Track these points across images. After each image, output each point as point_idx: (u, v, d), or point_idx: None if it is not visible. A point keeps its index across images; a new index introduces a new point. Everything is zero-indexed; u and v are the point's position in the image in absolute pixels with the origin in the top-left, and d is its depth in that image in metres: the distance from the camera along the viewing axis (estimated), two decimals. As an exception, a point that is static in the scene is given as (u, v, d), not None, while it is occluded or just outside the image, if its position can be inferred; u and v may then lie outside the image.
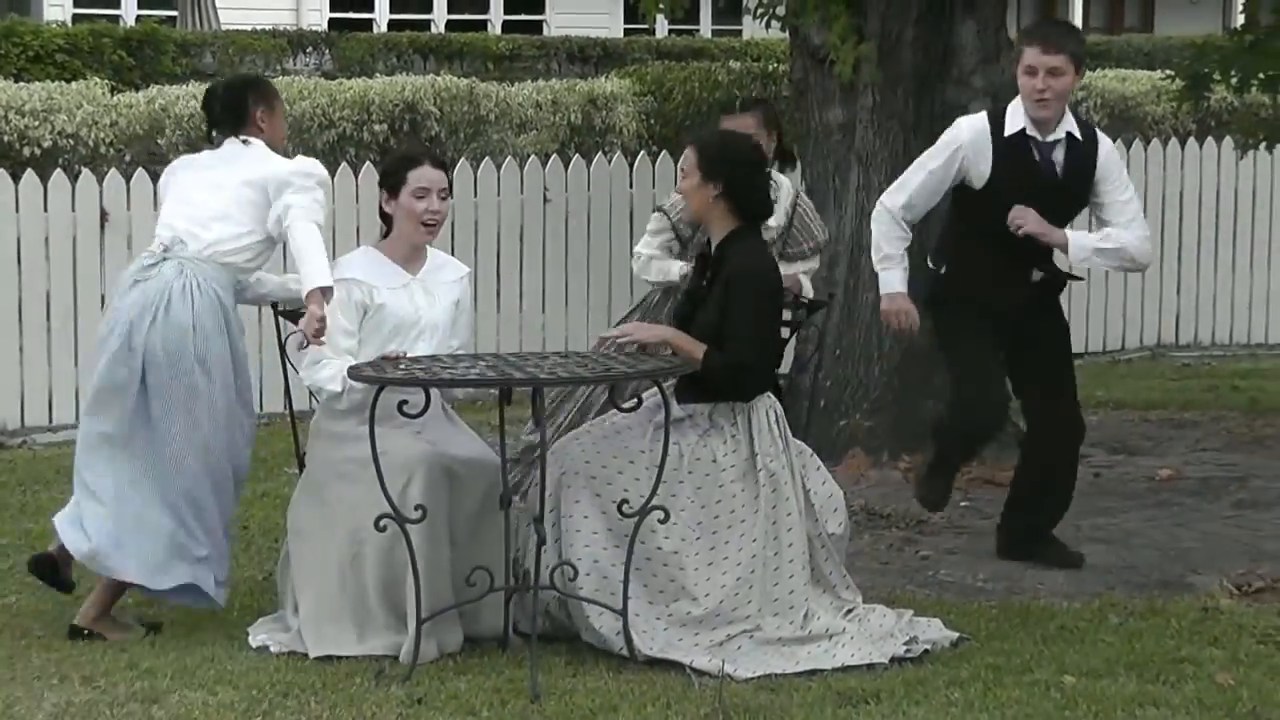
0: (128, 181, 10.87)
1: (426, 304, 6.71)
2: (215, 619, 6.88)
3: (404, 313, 6.64)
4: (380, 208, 6.78)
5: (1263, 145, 11.24)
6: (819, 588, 6.58)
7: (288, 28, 21.29)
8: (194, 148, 14.53)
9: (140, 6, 22.29)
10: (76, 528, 6.64)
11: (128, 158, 13.69)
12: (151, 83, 16.27)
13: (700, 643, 6.33)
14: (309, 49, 20.08)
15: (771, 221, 7.55)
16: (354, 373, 6.36)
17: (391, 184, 6.71)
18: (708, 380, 6.50)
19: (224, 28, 20.62)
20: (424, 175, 6.70)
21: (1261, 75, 10.18)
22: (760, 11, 9.85)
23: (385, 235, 6.82)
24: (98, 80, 15.29)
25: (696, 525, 6.44)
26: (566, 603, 6.44)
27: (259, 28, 20.23)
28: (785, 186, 8.12)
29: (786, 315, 7.01)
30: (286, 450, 8.48)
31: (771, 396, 6.62)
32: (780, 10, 9.80)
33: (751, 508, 6.47)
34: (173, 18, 21.45)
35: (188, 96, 14.43)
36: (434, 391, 6.37)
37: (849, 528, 6.89)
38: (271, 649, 6.55)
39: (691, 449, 6.49)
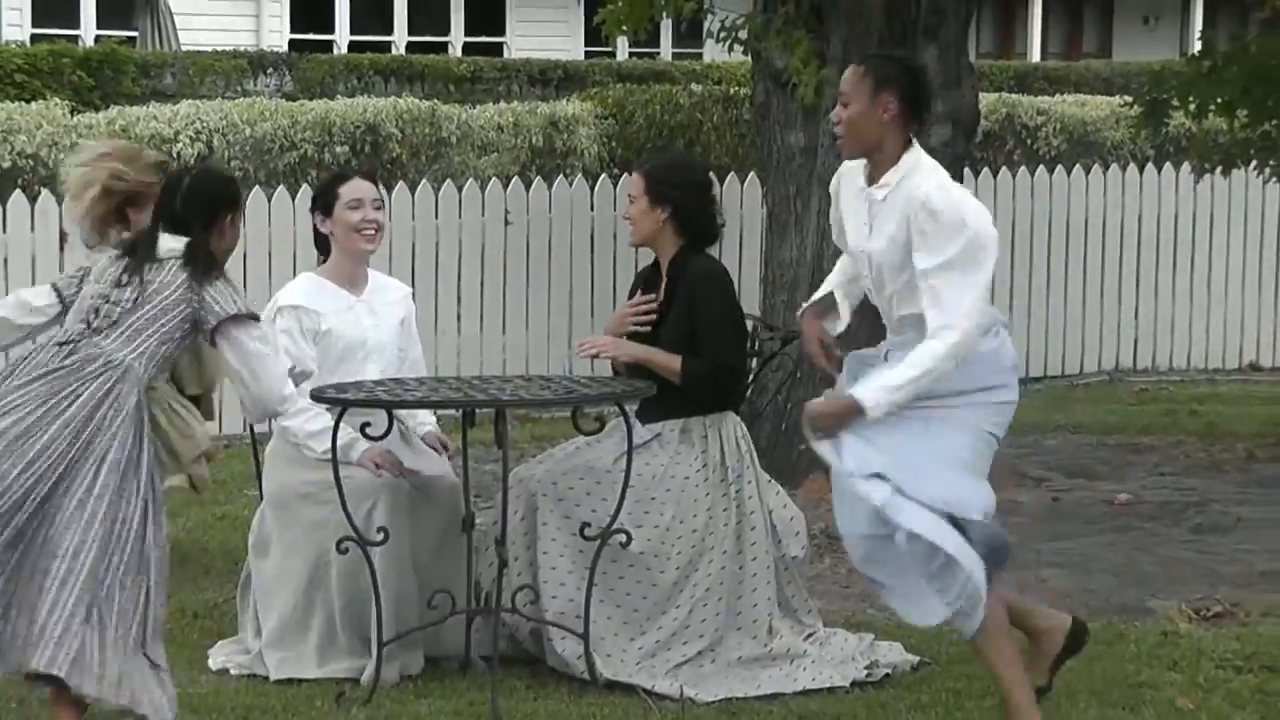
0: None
1: (372, 325, 6.72)
2: (175, 642, 6.84)
3: (351, 335, 6.65)
4: (315, 232, 6.80)
5: (1219, 171, 11.29)
6: (781, 610, 6.59)
7: (248, 49, 21.26)
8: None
9: (100, 27, 22.23)
10: None
11: (87, 178, 13.66)
12: (112, 103, 16.24)
13: (666, 663, 6.32)
14: (270, 70, 20.06)
15: None
16: (316, 395, 6.35)
17: (325, 203, 6.75)
18: (691, 390, 6.52)
19: (184, 49, 20.59)
20: (356, 187, 6.75)
21: (1218, 101, 10.25)
22: (722, 35, 9.87)
23: (322, 261, 6.85)
24: (58, 101, 15.26)
25: (677, 539, 6.45)
26: (530, 625, 6.44)
27: (219, 49, 20.21)
28: None
29: (759, 345, 7.05)
30: (246, 473, 8.46)
31: (736, 416, 6.64)
32: (742, 34, 9.83)
33: (721, 520, 6.49)
34: (133, 38, 21.42)
35: (148, 117, 14.41)
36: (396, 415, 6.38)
37: (809, 551, 6.90)
38: (231, 671, 6.53)
39: (665, 467, 6.51)
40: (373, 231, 6.73)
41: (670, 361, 6.51)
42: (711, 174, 7.23)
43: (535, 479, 6.52)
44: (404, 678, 6.38)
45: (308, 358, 6.56)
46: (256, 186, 12.03)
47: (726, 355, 6.58)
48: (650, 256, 6.80)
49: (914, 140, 5.77)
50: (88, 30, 22.22)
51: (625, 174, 12.19)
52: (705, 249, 6.73)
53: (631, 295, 6.80)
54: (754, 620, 6.48)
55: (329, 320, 6.63)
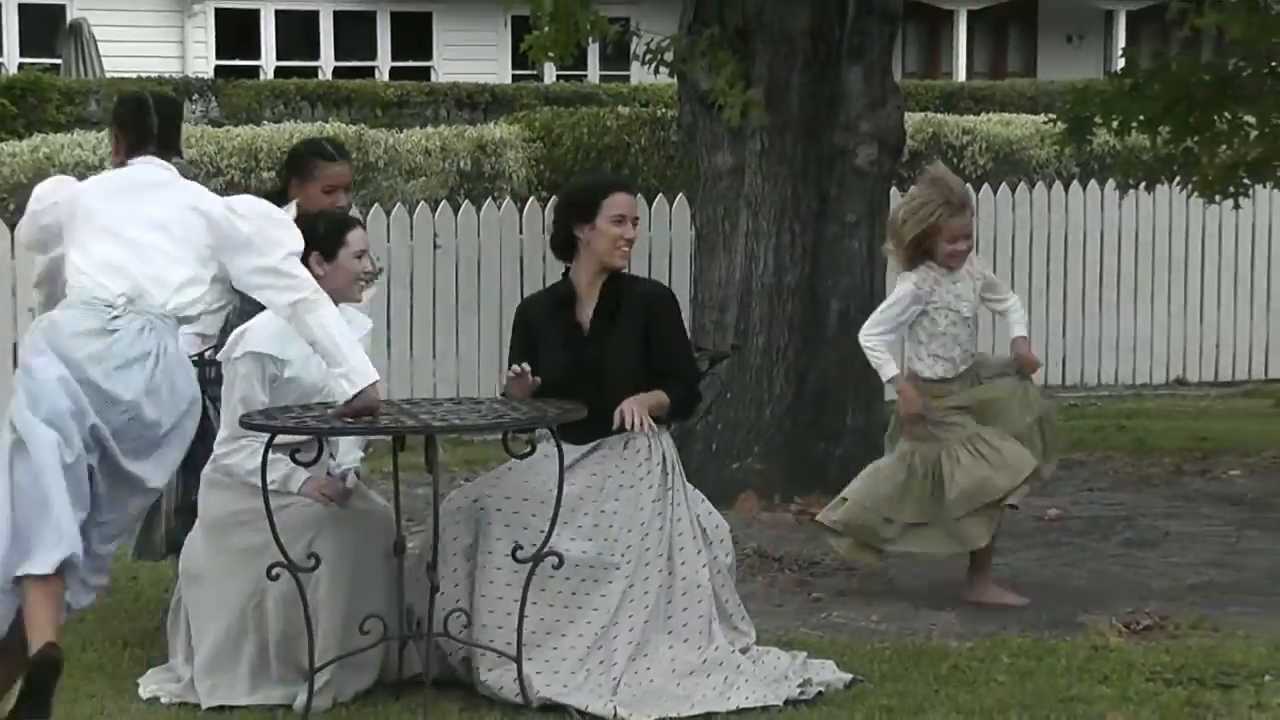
0: (11, 230, 10.77)
1: None
2: (105, 671, 6.81)
3: (310, 381, 6.62)
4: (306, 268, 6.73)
5: (1143, 187, 11.38)
6: (718, 615, 6.61)
7: (174, 75, 21.20)
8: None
9: (23, 54, 22.13)
10: None
11: (12, 206, 13.56)
12: (35, 131, 16.14)
13: (590, 668, 6.31)
14: (195, 96, 19.99)
15: None
16: (245, 421, 6.32)
17: (329, 247, 6.69)
18: (683, 413, 6.85)
19: (109, 76, 20.50)
20: (361, 237, 6.78)
21: (1141, 118, 10.32)
22: (648, 58, 9.90)
23: None
24: (-20, 129, 15.18)
25: (626, 549, 6.46)
26: (463, 651, 6.43)
27: (145, 75, 20.13)
28: None
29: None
30: (176, 500, 8.41)
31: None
32: (668, 56, 9.85)
33: (656, 528, 6.52)
34: (56, 66, 21.31)
35: (72, 145, 14.32)
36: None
37: (742, 571, 6.92)
38: (162, 700, 6.49)
39: (613, 478, 6.53)
40: (367, 283, 6.80)
41: (664, 400, 6.64)
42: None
43: (480, 498, 6.51)
44: (336, 704, 6.36)
45: (258, 404, 6.53)
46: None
47: (696, 370, 6.82)
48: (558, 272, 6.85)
49: None
50: (11, 58, 22.11)
51: (554, 197, 12.21)
52: None
53: (553, 316, 6.79)
54: (684, 624, 6.49)
55: (293, 368, 6.60)
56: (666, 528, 6.54)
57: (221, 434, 6.56)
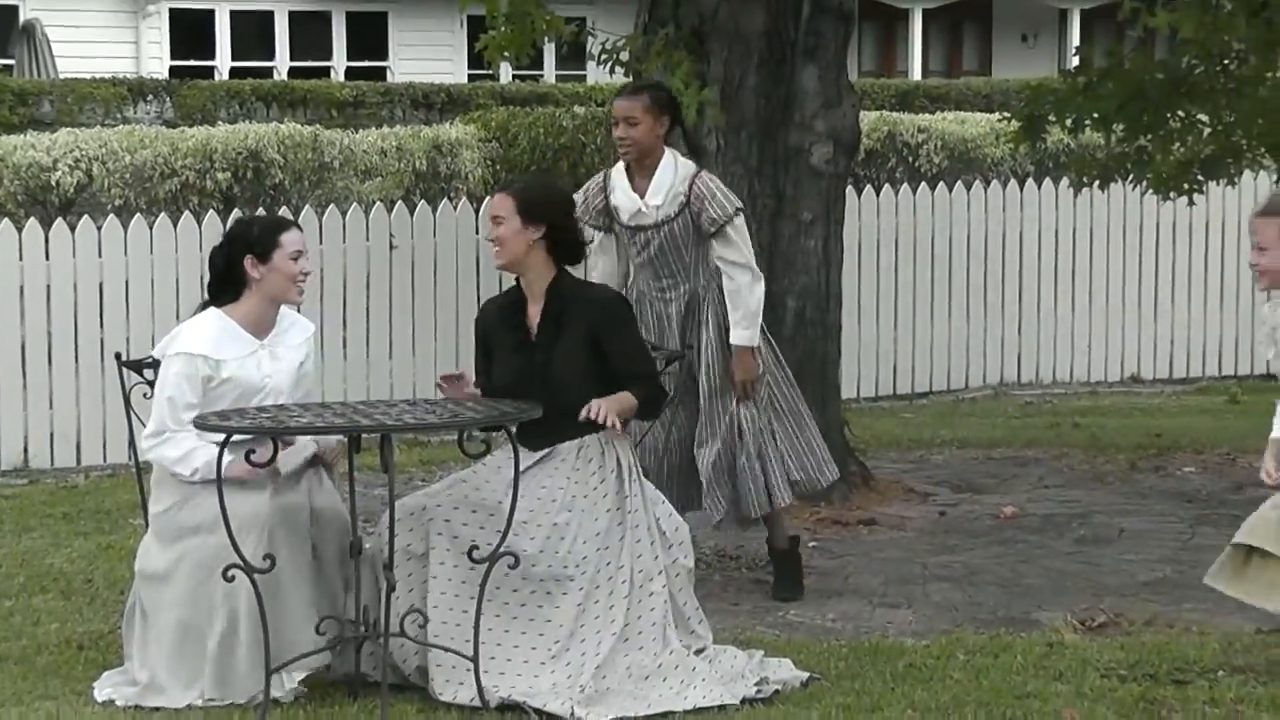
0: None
1: (271, 369, 6.68)
2: (60, 674, 6.78)
3: (249, 382, 6.61)
4: (223, 270, 6.73)
5: (1097, 185, 11.43)
6: (674, 619, 6.61)
7: (128, 76, 21.12)
8: (32, 197, 14.47)
9: (-24, 55, 22.02)
10: None
11: (-33, 208, 13.51)
12: (-11, 132, 16.07)
13: (557, 682, 6.31)
14: (150, 97, 19.94)
15: (654, 201, 7.68)
16: (199, 422, 6.31)
17: (263, 249, 6.68)
18: (652, 412, 6.83)
19: (62, 76, 20.42)
20: (297, 238, 6.76)
21: (1095, 116, 10.36)
22: (604, 57, 9.89)
23: (220, 298, 6.77)
24: (-67, 130, 15.11)
25: (581, 560, 6.45)
26: (418, 652, 6.42)
27: (98, 76, 20.07)
28: (681, 168, 7.84)
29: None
30: (132, 502, 8.40)
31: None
32: (623, 56, 9.84)
33: (616, 534, 6.51)
34: (9, 66, 21.22)
35: (26, 145, 14.27)
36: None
37: (694, 560, 6.92)
38: (118, 702, 6.46)
39: (564, 488, 6.52)
40: (304, 282, 6.78)
41: (632, 402, 6.61)
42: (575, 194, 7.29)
43: (430, 506, 6.50)
44: (293, 703, 6.35)
45: (184, 405, 6.52)
46: (138, 215, 11.93)
47: (654, 370, 6.81)
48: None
49: None
50: (-37, 59, 22.00)
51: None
52: (570, 269, 6.77)
53: (505, 321, 6.78)
54: (646, 631, 6.48)
55: (229, 368, 6.59)
56: (627, 536, 6.54)
57: (148, 428, 6.56)
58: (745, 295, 7.71)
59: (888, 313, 13.51)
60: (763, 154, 9.60)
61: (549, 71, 24.91)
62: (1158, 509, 9.72)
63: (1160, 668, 6.66)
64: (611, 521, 6.53)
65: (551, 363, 6.61)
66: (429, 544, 6.45)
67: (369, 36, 24.85)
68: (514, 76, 23.13)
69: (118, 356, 7.10)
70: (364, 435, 6.38)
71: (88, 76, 20.00)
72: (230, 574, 6.18)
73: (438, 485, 6.79)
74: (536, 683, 6.31)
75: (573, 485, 6.53)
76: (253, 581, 6.18)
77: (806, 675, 6.61)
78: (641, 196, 7.79)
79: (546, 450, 6.57)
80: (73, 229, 11.22)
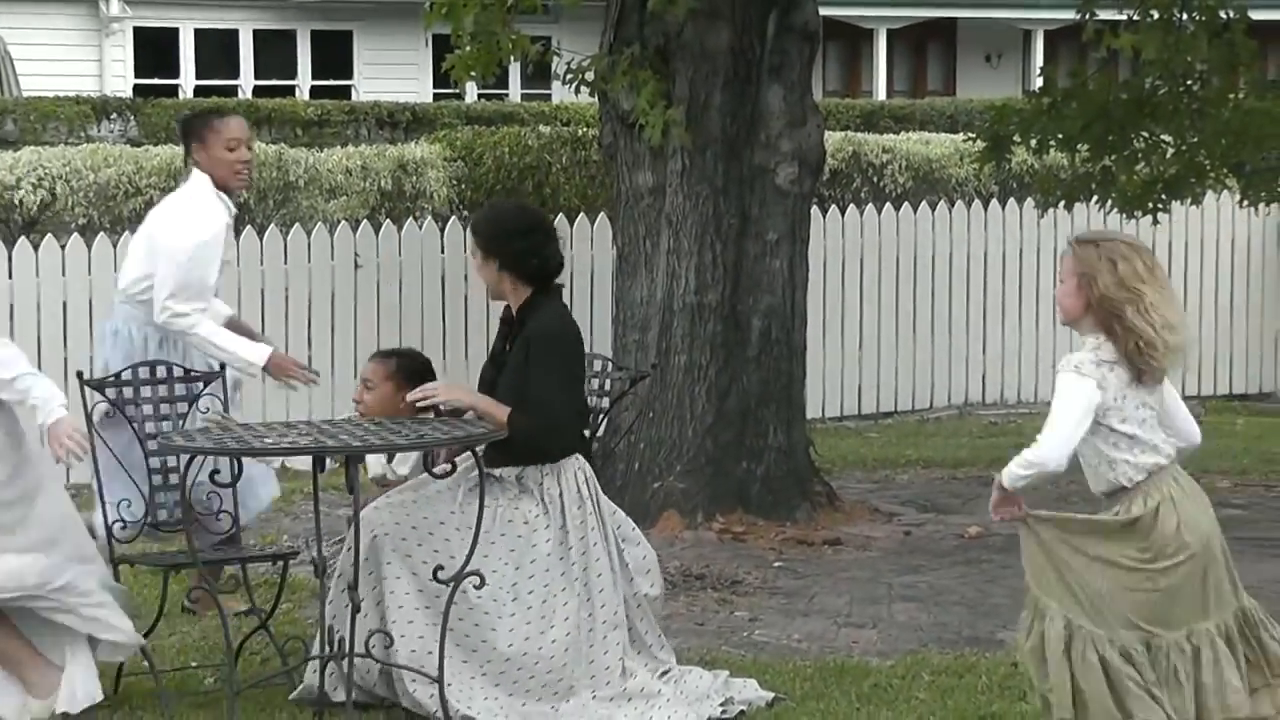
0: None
1: None
2: None
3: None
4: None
5: (1061, 205, 11.46)
6: (635, 648, 6.60)
7: (91, 94, 21.04)
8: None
9: (-61, 73, 21.92)
10: None
11: (-70, 227, 13.45)
12: (-48, 150, 15.98)
13: (516, 707, 6.30)
14: (114, 116, 19.86)
15: None
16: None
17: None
18: (514, 442, 6.48)
19: (26, 94, 20.34)
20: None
21: (1059, 136, 10.40)
22: (569, 77, 9.90)
23: None
24: (-105, 148, 15.02)
25: (511, 587, 6.43)
26: (383, 670, 6.40)
27: (62, 94, 19.98)
28: None
29: (608, 385, 7.06)
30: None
31: (580, 459, 6.63)
32: (589, 76, 9.86)
33: (560, 569, 6.48)
34: (-27, 84, 21.13)
35: (-11, 164, 14.18)
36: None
37: (663, 589, 6.91)
38: None
39: (503, 511, 6.49)
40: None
41: (498, 412, 6.50)
42: (535, 211, 7.25)
43: (380, 521, 6.48)
44: (257, 726, 6.33)
45: None
46: (102, 233, 11.90)
47: (549, 415, 6.52)
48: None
49: None
50: (-74, 77, 21.91)
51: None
52: (552, 286, 6.73)
53: (499, 336, 6.80)
54: (606, 667, 6.47)
55: None
56: (578, 562, 6.51)
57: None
58: None
59: (853, 333, 13.53)
60: (728, 174, 9.61)
61: (514, 91, 24.88)
62: (1122, 528, 9.72)
63: (1125, 687, 6.65)
64: (551, 553, 6.47)
65: (498, 382, 6.63)
66: (380, 558, 6.42)
67: (334, 55, 24.81)
68: (479, 95, 23.11)
69: (79, 375, 7.07)
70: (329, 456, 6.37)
71: (51, 95, 19.91)
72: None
73: (383, 506, 6.68)
74: (486, 705, 6.30)
75: (511, 510, 6.50)
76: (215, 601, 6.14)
77: (772, 695, 6.61)
78: None
79: (497, 475, 6.52)
80: (36, 248, 11.18)
